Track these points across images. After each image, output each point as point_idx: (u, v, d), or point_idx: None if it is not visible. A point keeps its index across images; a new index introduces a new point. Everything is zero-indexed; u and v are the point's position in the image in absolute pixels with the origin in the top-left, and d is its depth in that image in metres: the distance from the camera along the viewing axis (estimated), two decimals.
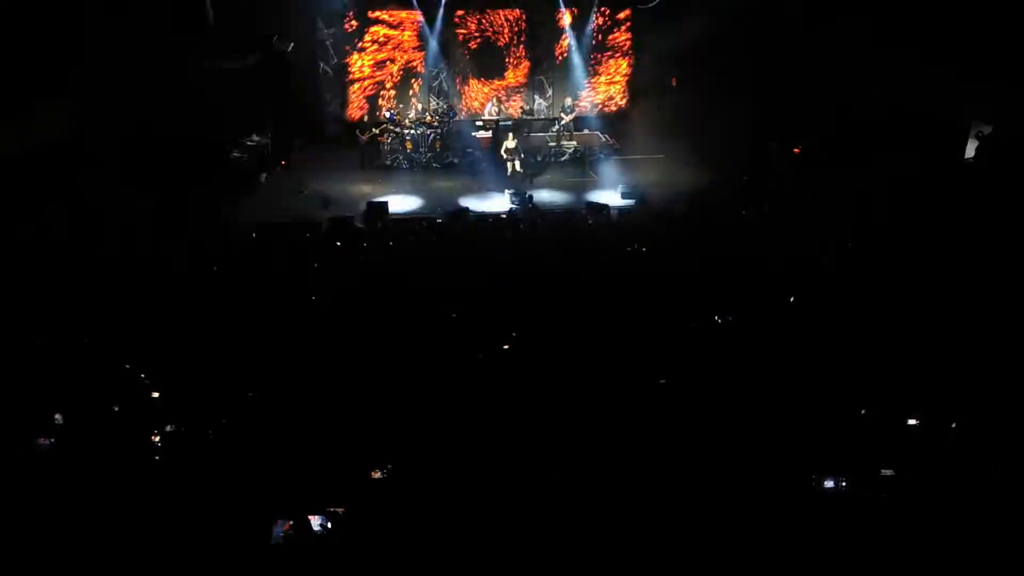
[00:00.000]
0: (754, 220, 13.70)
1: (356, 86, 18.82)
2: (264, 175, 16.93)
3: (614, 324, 8.79)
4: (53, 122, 13.55)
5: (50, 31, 13.27)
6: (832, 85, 15.72)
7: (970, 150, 14.56)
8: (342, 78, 18.72)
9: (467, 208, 14.77)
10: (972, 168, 14.39)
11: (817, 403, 6.82)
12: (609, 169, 17.62)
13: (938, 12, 13.78)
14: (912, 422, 6.58)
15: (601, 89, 19.56)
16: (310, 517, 5.24)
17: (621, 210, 14.97)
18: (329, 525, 5.25)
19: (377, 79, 18.84)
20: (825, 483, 5.75)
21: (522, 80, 19.35)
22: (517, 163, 17.17)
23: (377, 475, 5.83)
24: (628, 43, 19.20)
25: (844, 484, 5.72)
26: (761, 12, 16.29)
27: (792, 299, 9.57)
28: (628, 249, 11.85)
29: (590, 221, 14.19)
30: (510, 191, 15.77)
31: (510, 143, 17.15)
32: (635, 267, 11.37)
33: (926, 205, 12.60)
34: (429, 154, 18.09)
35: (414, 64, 18.90)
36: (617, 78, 19.56)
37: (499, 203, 15.70)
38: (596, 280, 10.15)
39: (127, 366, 7.83)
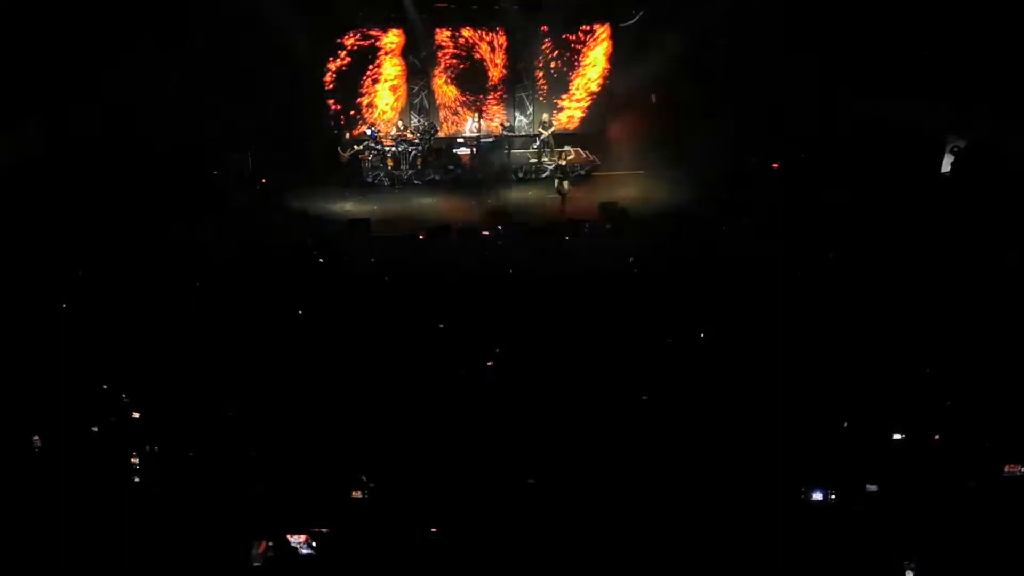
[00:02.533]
0: (734, 235, 13.77)
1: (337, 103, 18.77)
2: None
3: (597, 339, 8.80)
4: (30, 139, 13.51)
5: (31, 49, 13.29)
6: (810, 101, 15.89)
7: (946, 164, 14.74)
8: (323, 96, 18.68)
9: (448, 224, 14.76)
10: (949, 182, 14.56)
11: (801, 416, 6.85)
12: (590, 185, 17.71)
13: (912, 28, 14.00)
14: (897, 437, 6.62)
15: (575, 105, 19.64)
16: (289, 537, 5.20)
17: None
18: (310, 545, 5.21)
19: (358, 96, 18.82)
20: (813, 496, 5.78)
21: (502, 97, 19.41)
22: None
23: (358, 495, 5.80)
24: (607, 59, 19.29)
25: (832, 497, 5.75)
26: (739, 30, 16.45)
27: (773, 312, 9.61)
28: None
29: (567, 236, 14.21)
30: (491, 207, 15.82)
31: (564, 188, 17.03)
32: (616, 282, 11.39)
33: (905, 219, 12.72)
34: (410, 171, 18.09)
35: (395, 81, 18.92)
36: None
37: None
38: (579, 295, 10.17)
39: (105, 386, 7.76)
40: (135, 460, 6.33)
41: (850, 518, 5.62)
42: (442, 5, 18.30)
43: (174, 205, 14.34)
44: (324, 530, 5.27)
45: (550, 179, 18.04)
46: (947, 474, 5.93)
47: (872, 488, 5.83)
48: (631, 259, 11.83)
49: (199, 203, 15.17)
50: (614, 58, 19.03)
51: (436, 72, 18.86)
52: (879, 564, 5.09)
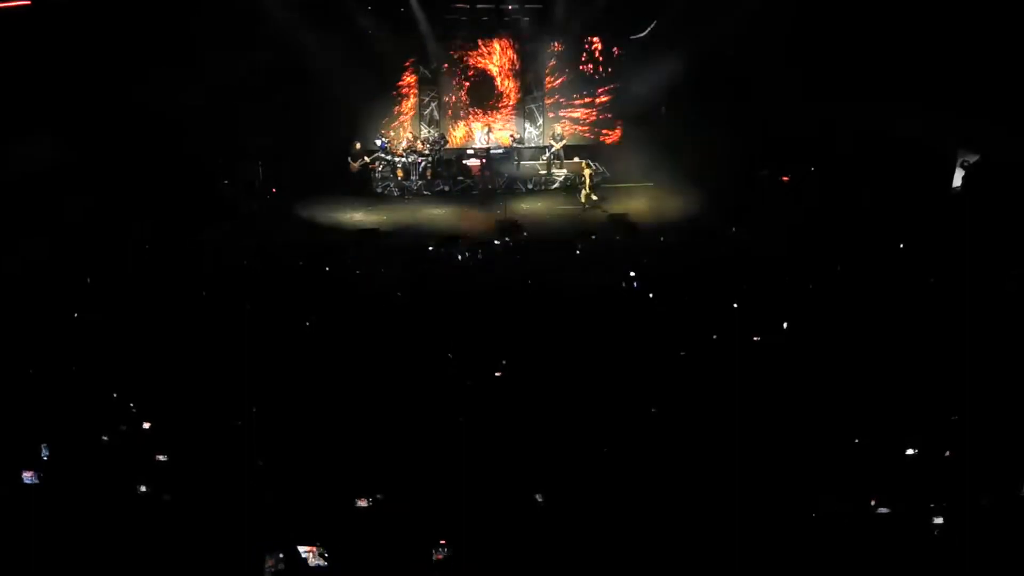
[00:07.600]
0: (743, 246, 13.73)
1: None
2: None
3: (605, 352, 8.77)
4: (37, 154, 13.59)
5: (38, 65, 13.38)
6: (820, 113, 15.85)
7: (957, 179, 14.66)
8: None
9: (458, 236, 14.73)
10: (960, 197, 14.48)
11: (812, 430, 6.80)
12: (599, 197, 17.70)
13: (923, 42, 13.97)
14: (910, 452, 6.56)
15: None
16: (299, 548, 5.18)
17: None
18: (320, 556, 5.19)
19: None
20: (824, 510, 5.74)
21: (513, 108, 19.44)
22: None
23: (363, 503, 5.78)
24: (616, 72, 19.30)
25: (843, 512, 5.71)
26: (746, 43, 16.42)
27: (784, 325, 9.58)
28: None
29: (578, 250, 14.18)
30: (499, 220, 15.81)
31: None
32: (625, 295, 11.37)
33: (915, 233, 12.66)
34: (420, 182, 18.13)
35: (406, 92, 18.98)
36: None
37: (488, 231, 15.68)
38: (586, 307, 10.15)
39: (115, 395, 7.76)
40: (143, 470, 6.33)
41: (865, 534, 5.57)
42: (452, 16, 18.39)
43: (184, 214, 14.39)
44: (330, 541, 5.25)
45: (560, 190, 18.07)
46: (960, 491, 5.87)
47: (884, 510, 5.79)
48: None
49: (209, 212, 15.22)
50: (624, 70, 19.05)
51: (446, 82, 18.89)
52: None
